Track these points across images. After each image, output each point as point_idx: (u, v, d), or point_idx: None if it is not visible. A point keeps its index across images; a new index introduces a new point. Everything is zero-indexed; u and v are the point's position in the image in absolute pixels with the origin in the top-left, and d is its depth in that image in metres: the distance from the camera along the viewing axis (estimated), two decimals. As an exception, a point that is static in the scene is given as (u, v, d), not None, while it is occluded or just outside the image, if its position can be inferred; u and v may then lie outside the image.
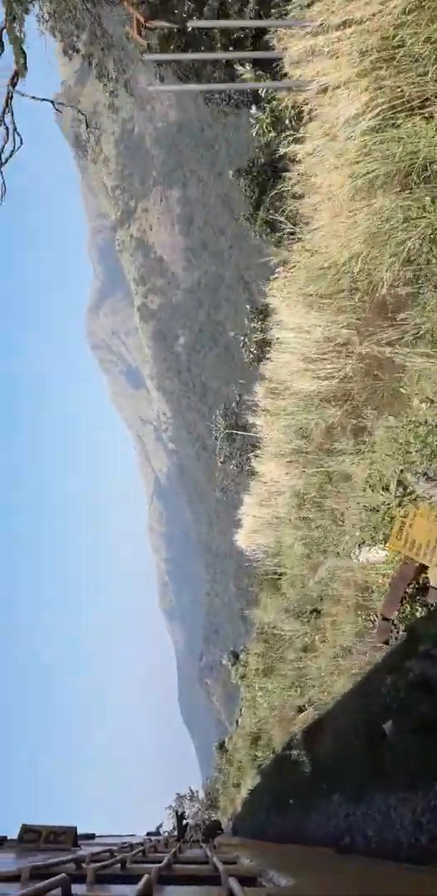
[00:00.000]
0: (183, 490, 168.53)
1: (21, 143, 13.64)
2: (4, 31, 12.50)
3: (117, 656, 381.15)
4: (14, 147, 13.67)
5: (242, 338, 24.66)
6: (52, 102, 14.01)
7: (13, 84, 12.89)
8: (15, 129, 13.46)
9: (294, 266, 10.95)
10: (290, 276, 11.12)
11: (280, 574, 15.51)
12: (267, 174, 19.78)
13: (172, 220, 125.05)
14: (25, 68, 12.49)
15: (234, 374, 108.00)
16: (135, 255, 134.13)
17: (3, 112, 13.08)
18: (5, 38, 12.68)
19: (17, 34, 12.38)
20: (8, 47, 12.54)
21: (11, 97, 13.06)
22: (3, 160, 13.68)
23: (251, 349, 23.03)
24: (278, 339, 11.74)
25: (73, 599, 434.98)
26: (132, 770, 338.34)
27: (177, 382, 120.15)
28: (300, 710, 11.80)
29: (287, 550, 14.46)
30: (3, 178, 13.95)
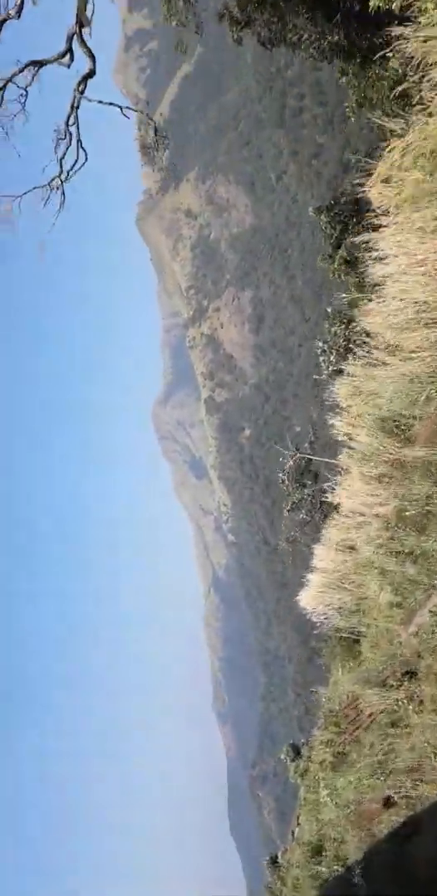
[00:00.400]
0: (242, 585, 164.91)
1: (86, 159, 13.35)
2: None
3: (166, 756, 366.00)
4: (77, 159, 13.34)
5: (320, 345, 22.23)
6: (120, 107, 13.70)
7: (81, 91, 12.99)
8: (79, 142, 13.14)
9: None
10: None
11: (359, 635, 13.48)
12: (350, 212, 18.89)
13: (242, 319, 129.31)
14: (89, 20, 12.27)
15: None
16: (205, 351, 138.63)
17: (68, 119, 12.75)
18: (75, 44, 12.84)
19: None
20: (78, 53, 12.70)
21: (77, 105, 12.74)
22: (68, 173, 13.33)
23: (331, 358, 20.47)
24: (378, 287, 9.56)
25: (123, 694, 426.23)
26: (173, 881, 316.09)
27: (240, 473, 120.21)
28: (387, 803, 9.65)
29: (370, 603, 12.35)
30: (63, 189, 13.44)
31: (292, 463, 27.87)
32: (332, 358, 20.48)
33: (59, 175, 13.63)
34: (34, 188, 13.74)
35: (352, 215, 18.91)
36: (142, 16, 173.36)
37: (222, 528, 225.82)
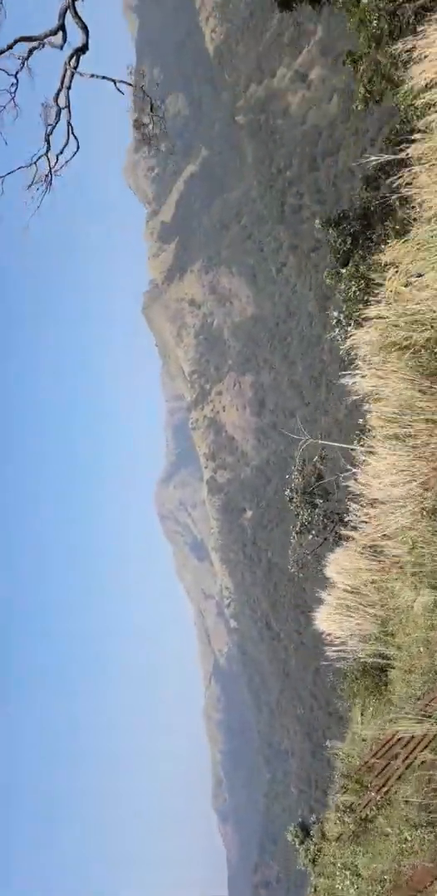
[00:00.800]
0: (244, 674, 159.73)
1: (78, 147, 12.06)
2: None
3: (164, 857, 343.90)
4: (67, 143, 11.92)
5: (335, 315, 17.66)
6: (114, 81, 12.31)
7: (73, 67, 11.37)
8: (70, 126, 11.77)
9: None
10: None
11: (388, 662, 10.92)
12: (363, 223, 17.43)
13: (244, 402, 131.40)
14: None
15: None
16: (207, 433, 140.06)
17: (57, 95, 11.48)
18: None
19: None
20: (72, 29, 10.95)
21: (69, 83, 11.46)
22: (57, 157, 11.80)
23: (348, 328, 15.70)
24: None
25: (117, 785, 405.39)
26: None
27: (241, 556, 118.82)
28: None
29: (402, 616, 10.25)
30: (51, 175, 11.84)
31: (300, 477, 23.93)
32: (350, 328, 15.66)
33: (46, 153, 12.25)
34: (19, 168, 12.25)
35: (365, 229, 17.49)
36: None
37: (223, 613, 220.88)
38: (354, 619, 11.51)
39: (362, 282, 16.19)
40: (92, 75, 11.54)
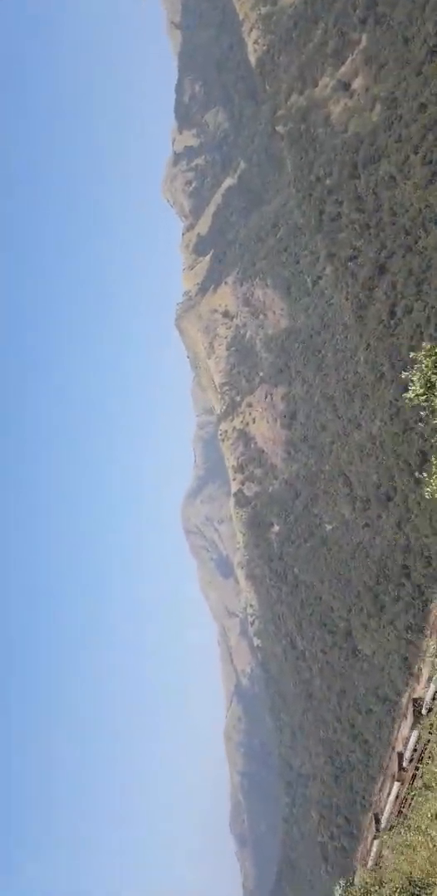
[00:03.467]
0: (266, 694, 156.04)
1: None
2: None
3: (178, 881, 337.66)
4: None
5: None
6: None
7: None
8: None
9: None
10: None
11: None
12: None
13: (274, 415, 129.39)
14: None
15: (328, 570, 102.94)
16: (236, 445, 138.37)
17: None
18: None
19: None
20: None
21: None
22: None
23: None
24: None
25: (133, 804, 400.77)
26: None
27: (267, 571, 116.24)
28: None
29: None
30: None
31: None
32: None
33: None
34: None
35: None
36: (191, 134, 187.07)
37: (247, 632, 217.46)
38: None
39: None
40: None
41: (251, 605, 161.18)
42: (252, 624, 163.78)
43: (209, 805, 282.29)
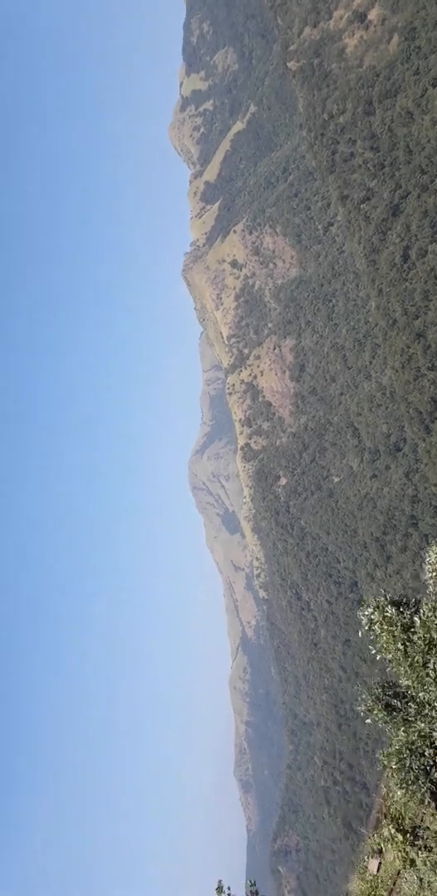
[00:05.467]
0: (271, 645, 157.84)
1: None
2: None
3: (183, 822, 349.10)
4: None
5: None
6: None
7: None
8: None
9: None
10: None
11: None
12: None
13: (282, 367, 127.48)
14: None
15: (335, 522, 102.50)
16: (243, 398, 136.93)
17: None
18: None
19: None
20: None
21: None
22: None
23: None
24: None
25: (139, 752, 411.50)
26: None
27: (274, 524, 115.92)
28: None
29: None
30: None
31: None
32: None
33: None
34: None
35: None
36: (199, 77, 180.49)
37: (252, 586, 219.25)
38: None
39: None
40: None
41: (257, 559, 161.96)
42: (258, 576, 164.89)
43: (214, 752, 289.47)
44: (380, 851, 13.18)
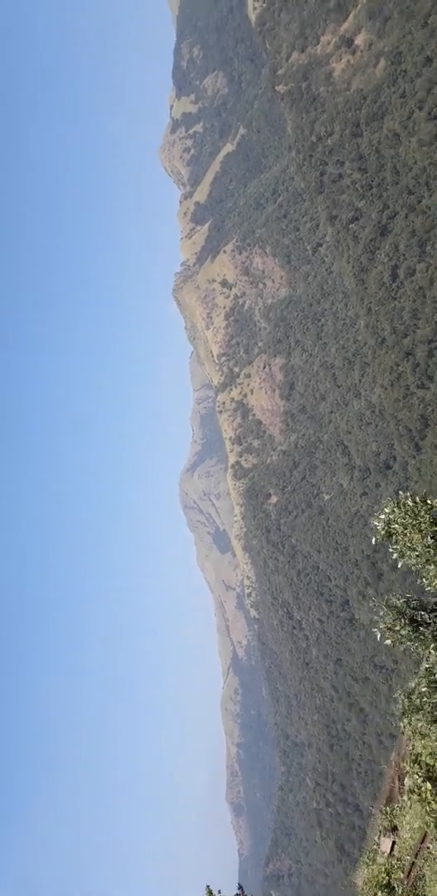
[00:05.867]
0: (262, 665, 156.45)
1: None
2: None
3: (174, 846, 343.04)
4: None
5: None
6: None
7: None
8: None
9: None
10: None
11: None
12: None
13: (272, 385, 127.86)
14: None
15: (326, 540, 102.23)
16: (234, 416, 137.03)
17: None
18: None
19: None
20: None
21: None
22: None
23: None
24: None
25: (130, 771, 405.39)
26: None
27: (264, 542, 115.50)
28: None
29: None
30: None
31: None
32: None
33: None
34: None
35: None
36: (189, 101, 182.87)
37: (243, 605, 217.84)
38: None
39: None
40: None
41: (248, 577, 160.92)
42: (249, 595, 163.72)
43: (206, 777, 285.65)
44: (394, 829, 12.06)
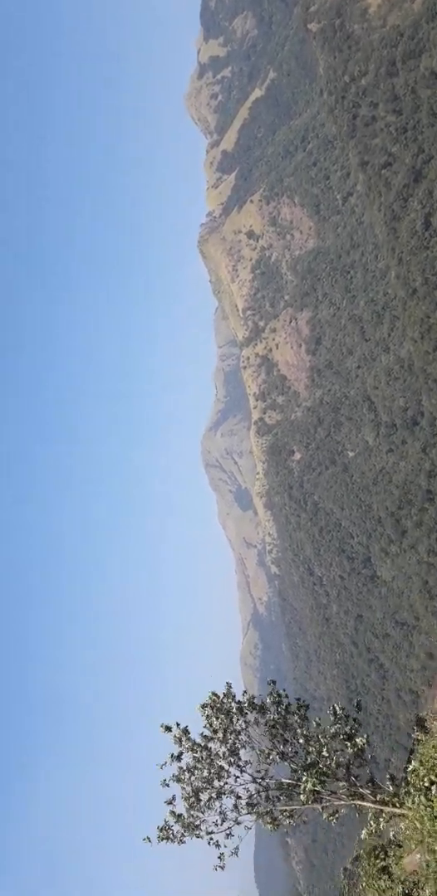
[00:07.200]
0: (282, 621, 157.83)
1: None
2: None
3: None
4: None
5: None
6: None
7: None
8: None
9: None
10: None
11: None
12: None
13: (299, 340, 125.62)
14: None
15: (349, 497, 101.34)
16: (258, 371, 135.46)
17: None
18: None
19: None
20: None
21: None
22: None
23: None
24: None
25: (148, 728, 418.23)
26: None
27: (287, 499, 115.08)
28: None
29: None
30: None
31: None
32: None
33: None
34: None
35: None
36: (217, 43, 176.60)
37: (264, 562, 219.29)
38: None
39: None
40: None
41: (269, 535, 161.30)
42: (270, 552, 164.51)
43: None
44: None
